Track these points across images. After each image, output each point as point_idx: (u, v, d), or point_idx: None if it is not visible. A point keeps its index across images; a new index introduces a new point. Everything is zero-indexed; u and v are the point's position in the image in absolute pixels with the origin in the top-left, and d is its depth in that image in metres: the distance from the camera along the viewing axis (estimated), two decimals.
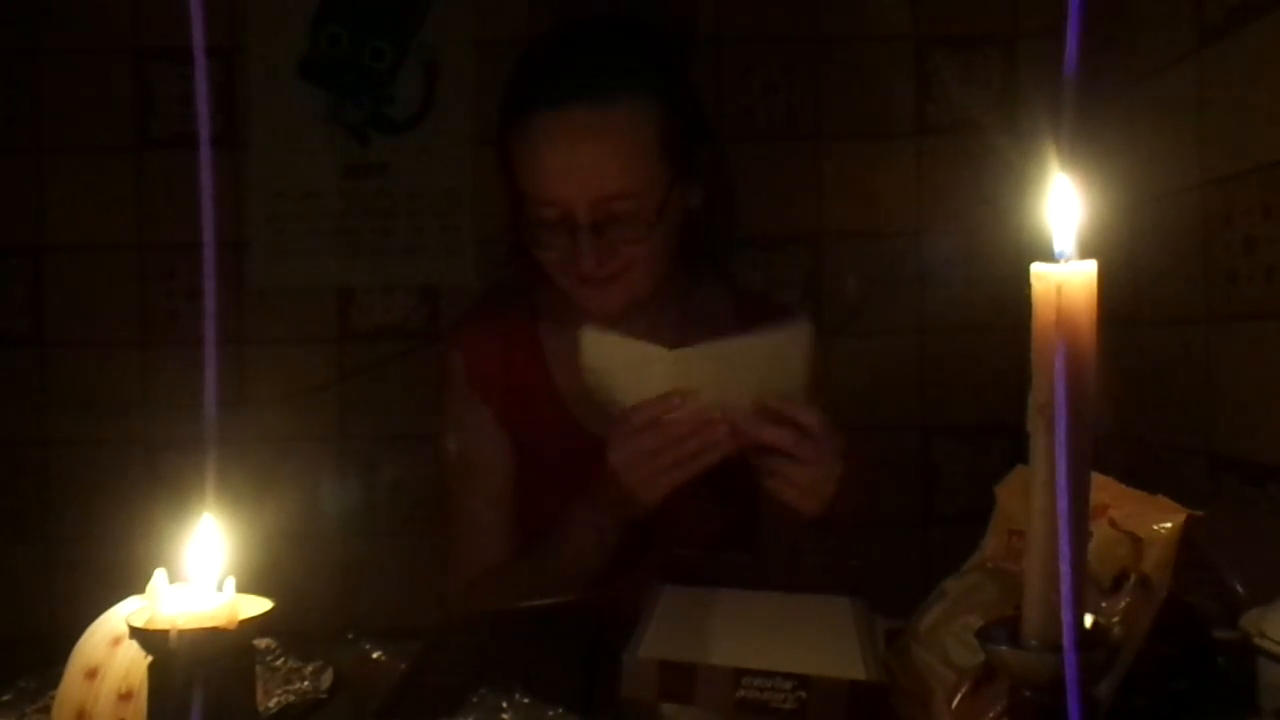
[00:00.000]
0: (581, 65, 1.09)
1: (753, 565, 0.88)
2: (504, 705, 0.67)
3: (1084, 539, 0.47)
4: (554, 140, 1.07)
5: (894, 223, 1.86)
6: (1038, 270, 0.46)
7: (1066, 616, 0.45)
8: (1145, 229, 1.48)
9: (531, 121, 1.09)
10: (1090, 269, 0.46)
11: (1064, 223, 0.46)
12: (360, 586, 1.84)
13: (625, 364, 1.02)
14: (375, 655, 0.87)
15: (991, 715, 0.65)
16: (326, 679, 0.79)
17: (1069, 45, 0.43)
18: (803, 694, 0.62)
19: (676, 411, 1.00)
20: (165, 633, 0.51)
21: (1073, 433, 0.45)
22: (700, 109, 1.20)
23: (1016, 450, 0.50)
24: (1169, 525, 0.66)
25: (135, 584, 0.58)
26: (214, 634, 0.51)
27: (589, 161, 1.07)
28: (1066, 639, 0.44)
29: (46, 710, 0.72)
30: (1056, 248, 0.46)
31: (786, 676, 0.63)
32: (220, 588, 0.54)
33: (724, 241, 1.27)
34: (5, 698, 0.75)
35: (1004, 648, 0.48)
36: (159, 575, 0.54)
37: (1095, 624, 0.48)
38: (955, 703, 0.67)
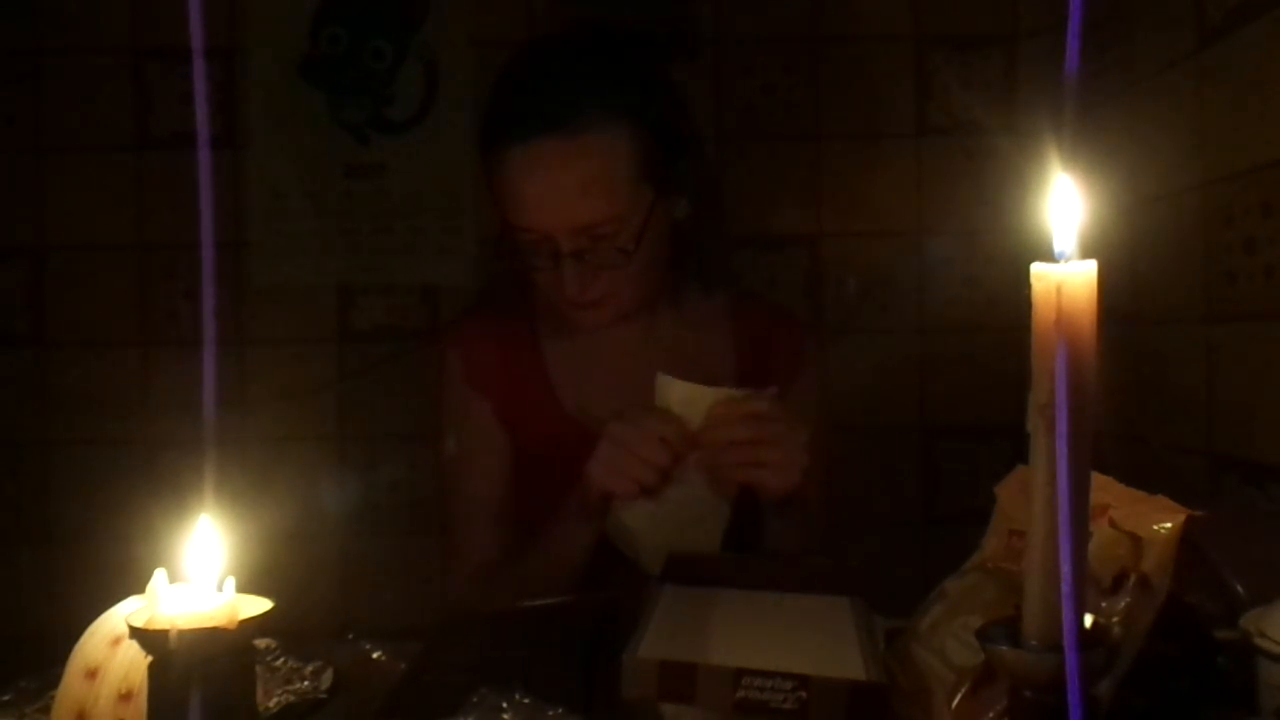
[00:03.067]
0: (551, 96, 1.07)
1: (753, 565, 0.88)
2: (504, 705, 0.67)
3: (1084, 539, 0.47)
4: (528, 174, 1.07)
5: (894, 223, 1.86)
6: (1038, 270, 0.46)
7: (1066, 616, 0.45)
8: (1145, 229, 1.48)
9: (506, 155, 1.08)
10: (1090, 269, 0.46)
11: (1064, 223, 0.46)
12: (360, 586, 1.84)
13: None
14: (375, 655, 0.87)
15: (991, 715, 0.65)
16: (326, 679, 0.79)
17: (1069, 45, 0.43)
18: (803, 694, 0.62)
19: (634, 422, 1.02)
20: (165, 633, 0.51)
21: (1073, 433, 0.45)
22: (682, 120, 1.18)
23: (1016, 450, 0.50)
24: (1169, 525, 0.66)
25: (135, 584, 0.58)
26: (214, 634, 0.51)
27: (564, 193, 1.06)
28: (1066, 639, 0.44)
29: (46, 710, 0.72)
30: (1057, 248, 0.46)
31: (786, 676, 0.63)
32: (220, 588, 0.54)
33: (714, 245, 1.27)
34: (5, 698, 0.75)
35: (1004, 648, 0.48)
36: (159, 575, 0.54)
37: (1095, 624, 0.48)
38: (955, 703, 0.67)
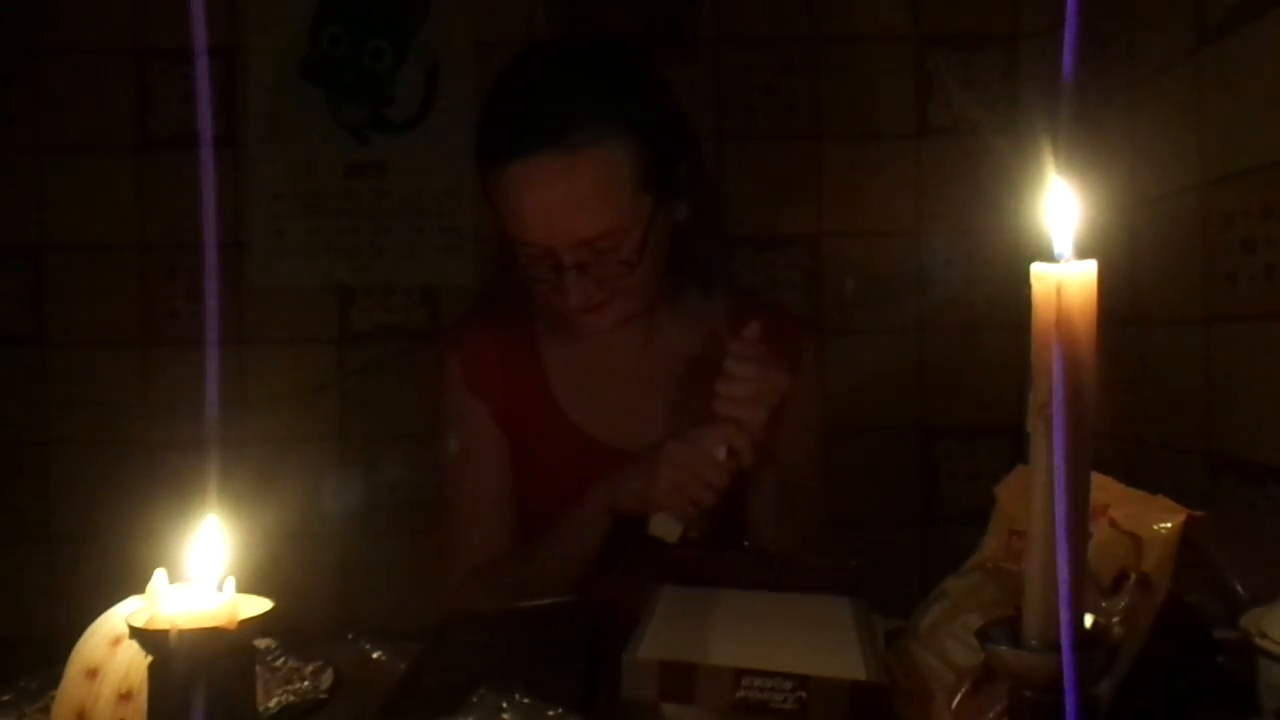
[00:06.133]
0: (550, 110, 1.06)
1: (753, 565, 0.88)
2: (504, 705, 0.67)
3: (1084, 539, 0.47)
4: (528, 189, 1.06)
5: (894, 223, 1.86)
6: (1038, 270, 0.46)
7: (1066, 616, 0.45)
8: (1145, 229, 1.48)
9: (505, 170, 1.07)
10: (1090, 269, 0.46)
11: (1061, 227, 0.46)
12: (360, 586, 1.84)
13: None
14: (375, 655, 0.87)
15: (991, 715, 0.65)
16: (326, 679, 0.79)
17: (1067, 47, 0.43)
18: (803, 694, 0.62)
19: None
20: (165, 633, 0.51)
21: (1073, 433, 0.45)
22: (680, 124, 1.17)
23: (1016, 450, 0.50)
24: (1169, 525, 0.66)
25: (135, 584, 0.58)
26: (214, 634, 0.52)
27: (565, 208, 1.05)
28: (1065, 639, 0.44)
29: (46, 710, 0.72)
30: (1055, 250, 0.46)
31: (786, 676, 0.63)
32: (220, 588, 0.54)
33: (713, 246, 1.27)
34: (5, 698, 0.75)
35: (1004, 648, 0.48)
36: (159, 575, 0.54)
37: (1095, 624, 0.48)
38: (955, 703, 0.67)
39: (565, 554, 1.14)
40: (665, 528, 1.04)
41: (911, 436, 1.88)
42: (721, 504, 1.07)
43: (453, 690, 0.70)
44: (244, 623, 0.53)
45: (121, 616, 0.67)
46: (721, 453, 1.03)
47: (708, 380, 1.06)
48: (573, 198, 1.05)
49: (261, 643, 0.83)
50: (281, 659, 0.83)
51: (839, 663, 0.68)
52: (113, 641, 0.70)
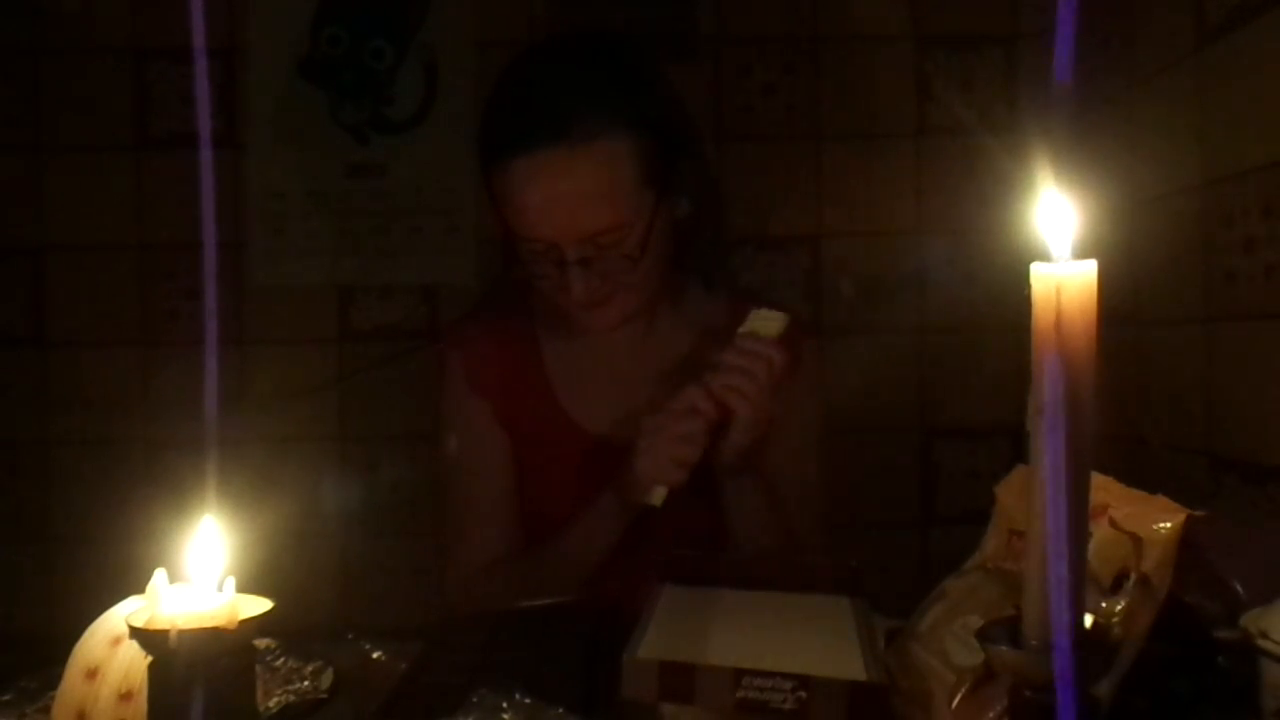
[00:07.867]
0: (553, 106, 1.07)
1: (753, 565, 0.88)
2: (504, 705, 0.67)
3: (1084, 539, 0.47)
4: (532, 185, 1.06)
5: (893, 223, 1.86)
6: (1038, 270, 0.46)
7: (1066, 616, 0.45)
8: (1145, 229, 1.48)
9: (509, 166, 1.07)
10: (1090, 269, 0.46)
11: (1061, 227, 0.46)
12: (360, 586, 1.84)
13: None
14: (375, 655, 0.87)
15: (991, 715, 0.65)
16: (326, 679, 0.79)
17: (1060, 51, 0.43)
18: (803, 694, 0.62)
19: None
20: (165, 633, 0.51)
21: (1073, 433, 0.45)
22: (681, 120, 1.18)
23: (1016, 450, 0.50)
24: (1169, 525, 0.66)
25: (135, 584, 0.58)
26: (214, 634, 0.52)
27: (569, 204, 1.06)
28: (1066, 639, 0.44)
29: (46, 710, 0.72)
30: (1055, 250, 0.46)
31: (786, 676, 0.63)
32: (220, 588, 0.54)
33: (714, 244, 1.27)
34: (5, 698, 0.75)
35: (1004, 648, 0.48)
36: (159, 575, 0.55)
37: (1095, 624, 0.48)
38: (955, 703, 0.67)
39: (581, 552, 1.14)
40: (653, 494, 1.06)
41: (911, 437, 1.88)
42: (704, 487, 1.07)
43: (453, 690, 0.70)
44: (244, 623, 0.53)
45: (121, 616, 0.67)
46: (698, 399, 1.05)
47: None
48: (576, 192, 1.06)
49: (261, 643, 0.83)
50: (281, 659, 0.83)
51: (839, 663, 0.68)
52: (113, 641, 0.70)
